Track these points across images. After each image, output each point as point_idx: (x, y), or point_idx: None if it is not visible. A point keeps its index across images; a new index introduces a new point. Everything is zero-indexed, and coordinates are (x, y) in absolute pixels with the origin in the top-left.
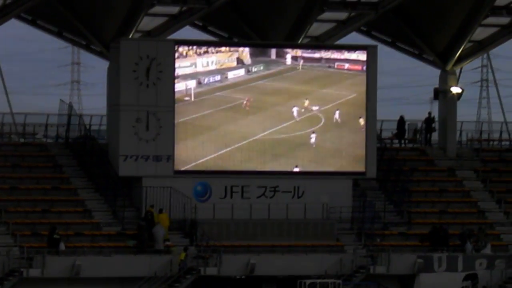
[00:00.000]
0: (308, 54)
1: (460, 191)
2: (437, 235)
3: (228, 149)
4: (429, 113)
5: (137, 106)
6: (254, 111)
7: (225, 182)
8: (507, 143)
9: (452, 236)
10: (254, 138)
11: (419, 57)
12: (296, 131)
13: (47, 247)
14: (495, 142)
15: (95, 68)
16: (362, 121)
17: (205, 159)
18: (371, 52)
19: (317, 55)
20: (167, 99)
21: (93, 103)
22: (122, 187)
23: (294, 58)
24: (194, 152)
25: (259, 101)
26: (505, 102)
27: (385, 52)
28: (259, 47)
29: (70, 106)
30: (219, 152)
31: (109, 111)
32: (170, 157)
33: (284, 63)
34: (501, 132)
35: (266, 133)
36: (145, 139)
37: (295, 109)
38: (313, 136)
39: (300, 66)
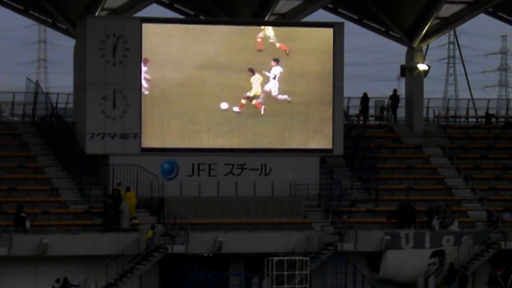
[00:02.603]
0: None
1: (427, 168)
2: (404, 212)
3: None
4: (394, 90)
5: (104, 84)
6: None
7: (192, 160)
8: (474, 120)
9: (419, 213)
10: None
11: (386, 34)
12: None
13: (14, 225)
14: (462, 119)
15: (62, 46)
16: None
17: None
18: (338, 29)
19: None
20: (134, 77)
21: (60, 81)
22: (89, 165)
23: None
24: (161, 130)
25: None
26: (472, 79)
27: (351, 29)
28: (226, 24)
29: (37, 84)
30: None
31: (76, 89)
32: (137, 135)
33: None
34: (467, 109)
35: None
36: (112, 117)
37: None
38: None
39: None
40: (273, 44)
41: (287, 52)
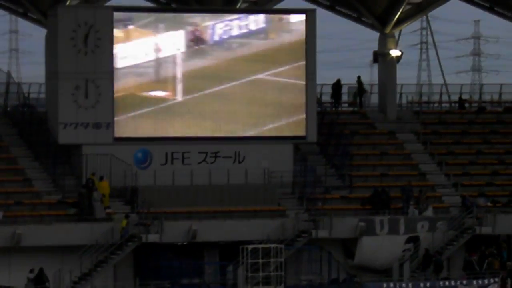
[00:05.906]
0: None
1: (401, 154)
2: (379, 198)
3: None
4: (358, 77)
5: (76, 74)
6: None
7: (166, 149)
8: (447, 105)
9: (394, 199)
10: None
11: (358, 20)
12: None
13: None
14: (435, 104)
15: (33, 36)
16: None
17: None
18: (310, 16)
19: None
20: (106, 66)
21: (32, 71)
22: (62, 155)
23: None
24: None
25: None
26: (445, 64)
27: (324, 15)
28: (198, 12)
29: (9, 74)
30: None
31: (48, 79)
32: (110, 124)
33: None
34: (440, 94)
35: None
36: (85, 107)
37: None
38: None
39: None
40: None
41: None
